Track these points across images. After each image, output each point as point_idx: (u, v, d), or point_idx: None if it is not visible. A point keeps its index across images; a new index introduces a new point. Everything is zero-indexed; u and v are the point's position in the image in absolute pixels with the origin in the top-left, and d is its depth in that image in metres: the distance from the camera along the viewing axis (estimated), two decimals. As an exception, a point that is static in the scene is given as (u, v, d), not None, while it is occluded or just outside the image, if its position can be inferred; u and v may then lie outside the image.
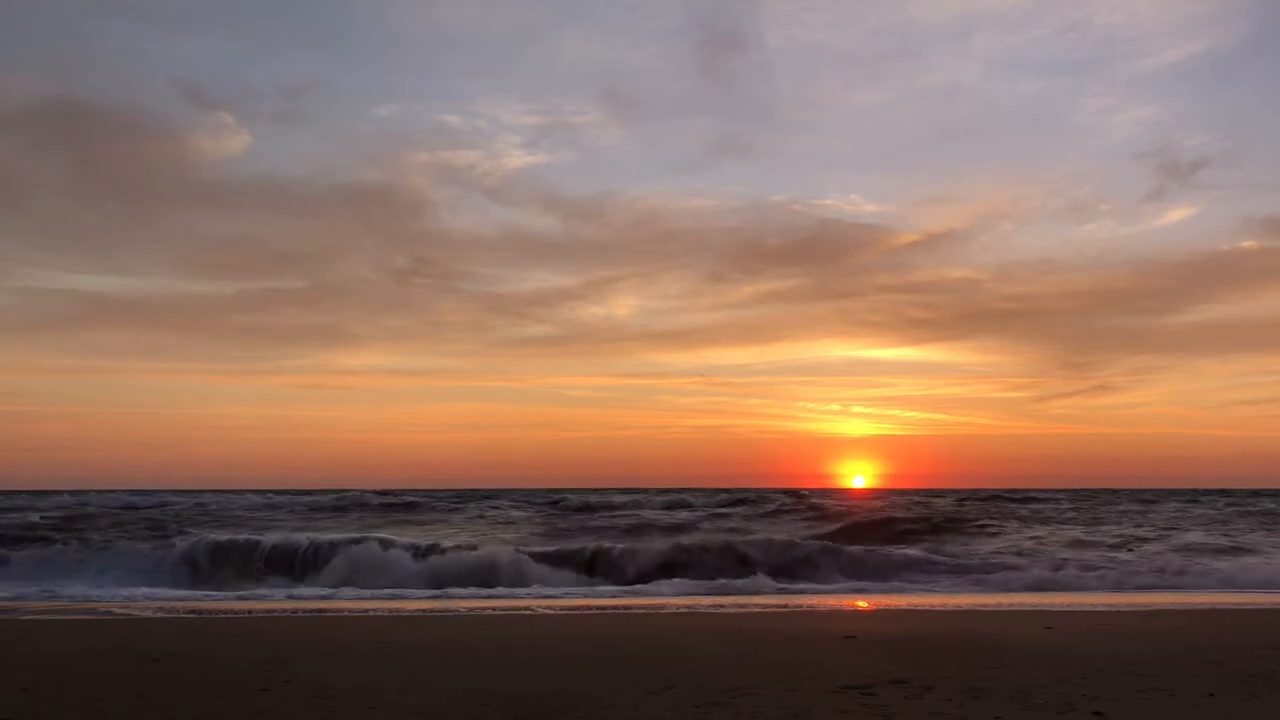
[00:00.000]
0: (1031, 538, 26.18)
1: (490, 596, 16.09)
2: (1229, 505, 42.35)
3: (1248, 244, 58.34)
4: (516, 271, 63.54)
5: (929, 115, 60.69)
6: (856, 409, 74.70)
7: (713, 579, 17.88)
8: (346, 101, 59.49)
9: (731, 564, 20.40)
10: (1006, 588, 17.97)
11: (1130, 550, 23.23)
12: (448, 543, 22.90)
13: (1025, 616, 12.38)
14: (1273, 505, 41.39)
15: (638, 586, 18.27)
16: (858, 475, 73.61)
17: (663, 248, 61.36)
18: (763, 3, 55.28)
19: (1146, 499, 47.34)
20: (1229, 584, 18.14)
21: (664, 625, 11.60)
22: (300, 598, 16.17)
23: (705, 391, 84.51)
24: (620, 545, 22.41)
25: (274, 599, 15.92)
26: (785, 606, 13.98)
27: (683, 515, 34.07)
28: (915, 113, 61.15)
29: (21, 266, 59.05)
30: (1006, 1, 54.04)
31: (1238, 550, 22.96)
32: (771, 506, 38.91)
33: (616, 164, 63.79)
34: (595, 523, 30.95)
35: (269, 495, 48.10)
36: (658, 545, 22.27)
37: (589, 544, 22.69)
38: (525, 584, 18.12)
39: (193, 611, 13.42)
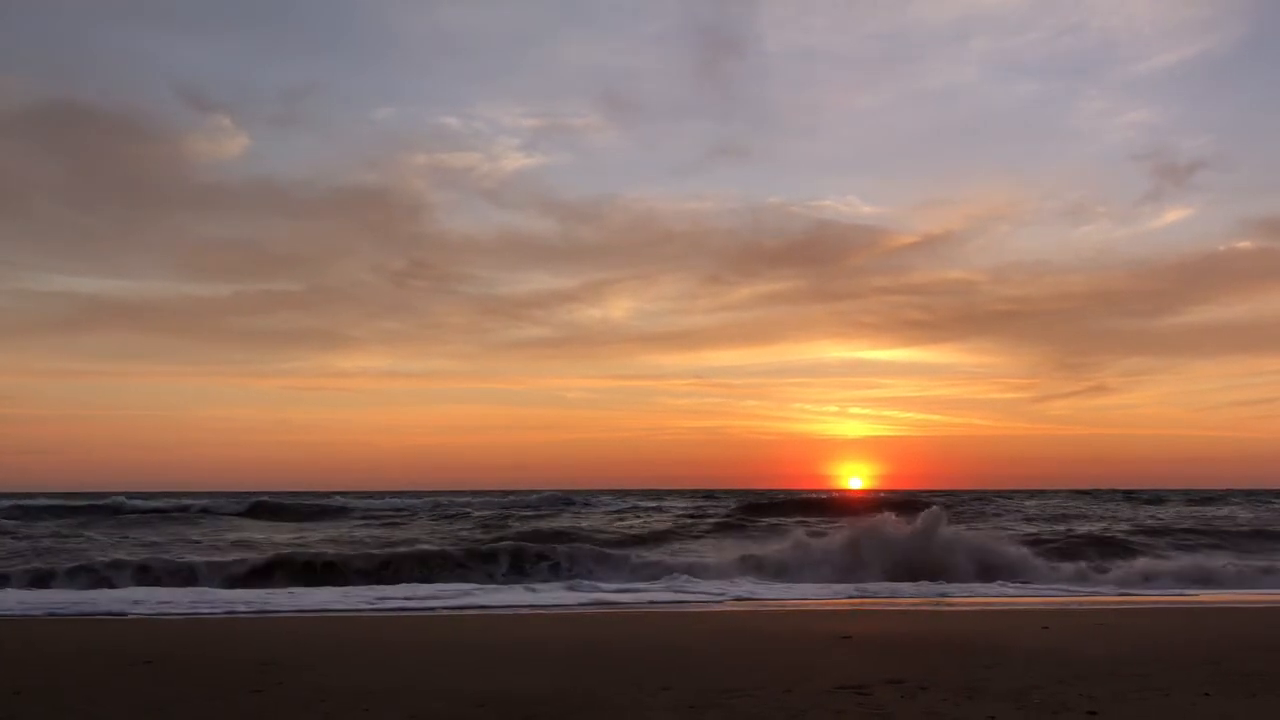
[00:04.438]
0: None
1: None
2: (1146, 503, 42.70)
3: (1243, 245, 58.73)
4: (514, 274, 63.78)
5: (926, 118, 60.99)
6: (853, 410, 74.90)
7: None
8: (345, 104, 59.57)
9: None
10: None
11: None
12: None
13: (1021, 616, 12.39)
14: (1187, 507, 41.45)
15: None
16: (854, 476, 73.59)
17: (660, 250, 61.52)
18: (761, 6, 55.44)
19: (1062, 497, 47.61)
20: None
21: (659, 626, 11.59)
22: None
23: (702, 393, 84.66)
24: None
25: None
26: (781, 607, 13.98)
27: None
28: (912, 115, 61.41)
29: (19, 269, 59.30)
30: (1004, 5, 54.30)
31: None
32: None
33: (614, 166, 64.06)
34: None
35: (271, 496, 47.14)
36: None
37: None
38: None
39: (186, 613, 13.37)
